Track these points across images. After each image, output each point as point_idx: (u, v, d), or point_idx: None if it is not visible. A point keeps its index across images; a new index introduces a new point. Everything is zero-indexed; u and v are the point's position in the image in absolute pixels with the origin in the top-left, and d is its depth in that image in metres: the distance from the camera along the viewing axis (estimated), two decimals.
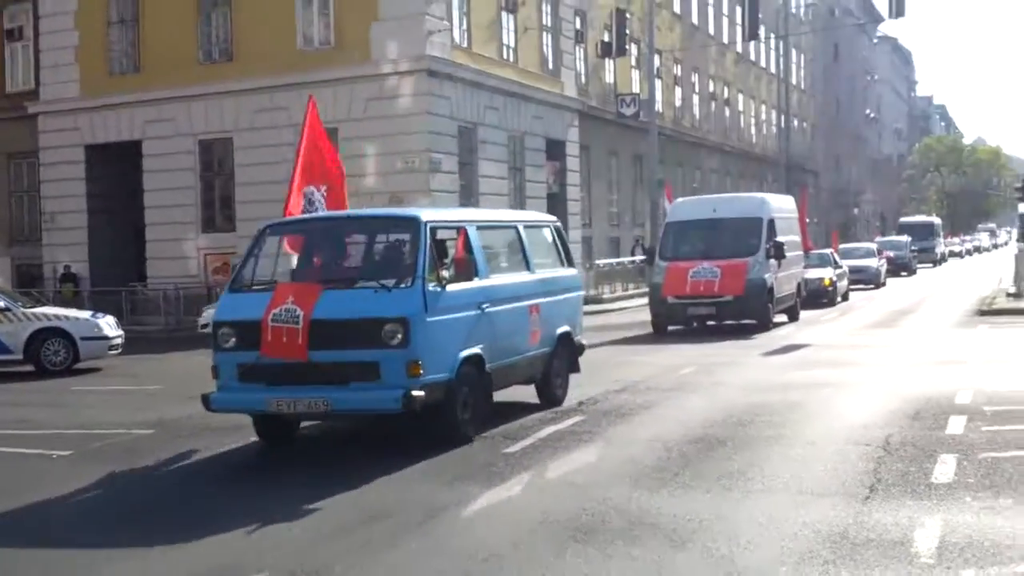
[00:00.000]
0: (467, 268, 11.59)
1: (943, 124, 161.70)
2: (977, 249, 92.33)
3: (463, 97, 33.70)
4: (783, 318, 26.61)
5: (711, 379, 16.55)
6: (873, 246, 49.22)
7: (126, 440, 13.10)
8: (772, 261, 24.66)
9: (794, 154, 65.95)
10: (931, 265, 65.16)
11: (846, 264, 38.02)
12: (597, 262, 38.46)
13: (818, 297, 31.90)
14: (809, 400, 13.99)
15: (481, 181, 34.77)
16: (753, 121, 65.95)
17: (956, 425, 11.73)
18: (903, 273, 53.45)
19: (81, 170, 35.75)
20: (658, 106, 44.51)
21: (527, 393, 13.95)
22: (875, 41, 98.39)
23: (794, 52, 69.47)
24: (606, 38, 42.88)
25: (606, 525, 8.33)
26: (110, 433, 13.48)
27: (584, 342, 15.08)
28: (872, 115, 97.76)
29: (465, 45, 34.34)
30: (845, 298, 35.48)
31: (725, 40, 59.61)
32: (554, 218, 15.62)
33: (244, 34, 33.77)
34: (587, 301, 33.79)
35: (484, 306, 11.85)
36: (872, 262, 44.26)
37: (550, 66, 39.73)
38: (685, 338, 23.71)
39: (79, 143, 35.89)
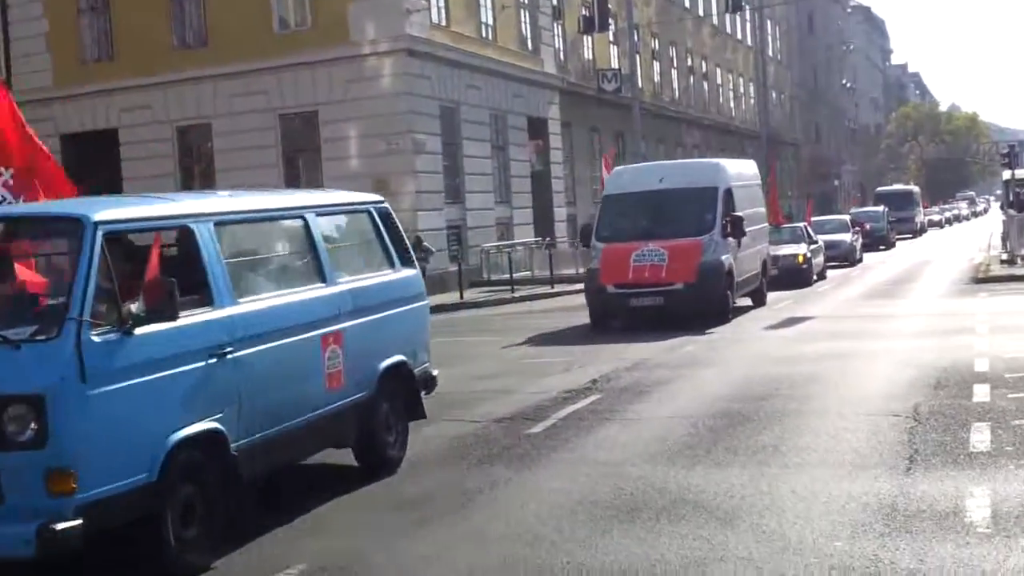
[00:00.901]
0: (163, 298, 6.85)
1: (918, 92, 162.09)
2: (956, 218, 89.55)
3: (444, 76, 33.37)
4: (747, 302, 23.60)
5: (719, 354, 16.34)
6: (846, 218, 44.48)
7: None
8: (731, 239, 21.09)
9: (773, 126, 65.82)
10: (910, 236, 61.46)
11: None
12: None
13: (792, 276, 28.63)
14: (824, 371, 13.79)
15: (465, 161, 34.47)
16: (732, 94, 65.77)
17: (981, 393, 11.56)
18: (881, 247, 49.25)
19: (57, 160, 35.09)
20: (638, 81, 44.16)
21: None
22: (849, 10, 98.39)
23: (769, 24, 69.31)
24: (585, 13, 42.52)
25: (647, 504, 8.12)
26: None
27: (435, 371, 10.50)
28: (848, 85, 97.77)
29: (444, 24, 34.00)
30: (822, 276, 32.32)
31: (700, 13, 59.32)
32: (376, 198, 10.58)
33: (218, 18, 33.32)
34: (575, 280, 33.68)
35: (227, 350, 7.51)
36: (845, 236, 39.65)
37: (529, 44, 39.43)
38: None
39: (54, 133, 35.23)
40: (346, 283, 9.13)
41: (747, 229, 21.75)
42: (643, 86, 46.77)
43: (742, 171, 24.53)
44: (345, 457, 9.58)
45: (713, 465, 9.20)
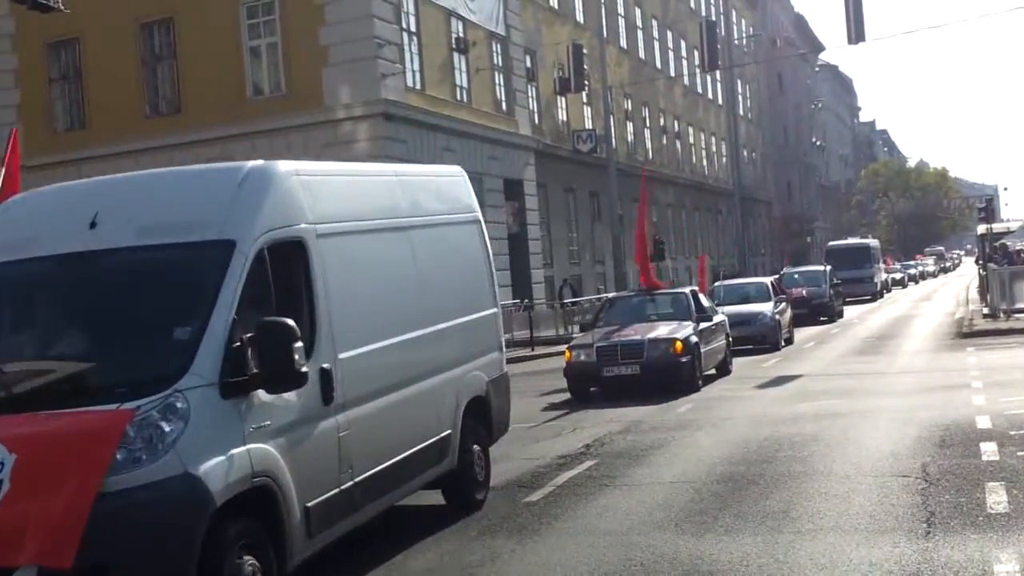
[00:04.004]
0: None
1: (886, 149, 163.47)
2: (922, 275, 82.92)
3: (419, 140, 33.18)
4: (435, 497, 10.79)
5: (713, 415, 15.96)
6: (766, 281, 31.72)
7: None
8: (261, 395, 7.29)
9: (746, 184, 66.06)
10: (869, 299, 50.68)
11: (725, 312, 23.73)
12: (565, 301, 37.89)
13: (663, 375, 18.74)
14: (826, 432, 13.47)
15: None
16: (704, 153, 65.99)
17: (989, 451, 11.28)
18: (822, 318, 37.04)
19: None
20: (612, 141, 44.20)
21: None
22: (817, 69, 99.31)
23: (739, 83, 69.83)
24: (559, 75, 42.60)
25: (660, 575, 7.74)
26: None
27: None
28: (819, 143, 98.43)
29: (419, 88, 33.88)
30: (723, 370, 21.75)
31: (672, 73, 59.65)
32: None
33: (191, 85, 33.12)
34: (557, 341, 33.48)
35: None
36: (764, 307, 27.87)
37: (503, 106, 39.39)
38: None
39: None
40: None
41: (408, 336, 9.44)
42: (617, 146, 46.83)
43: (376, 188, 10.09)
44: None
45: (723, 532, 8.86)
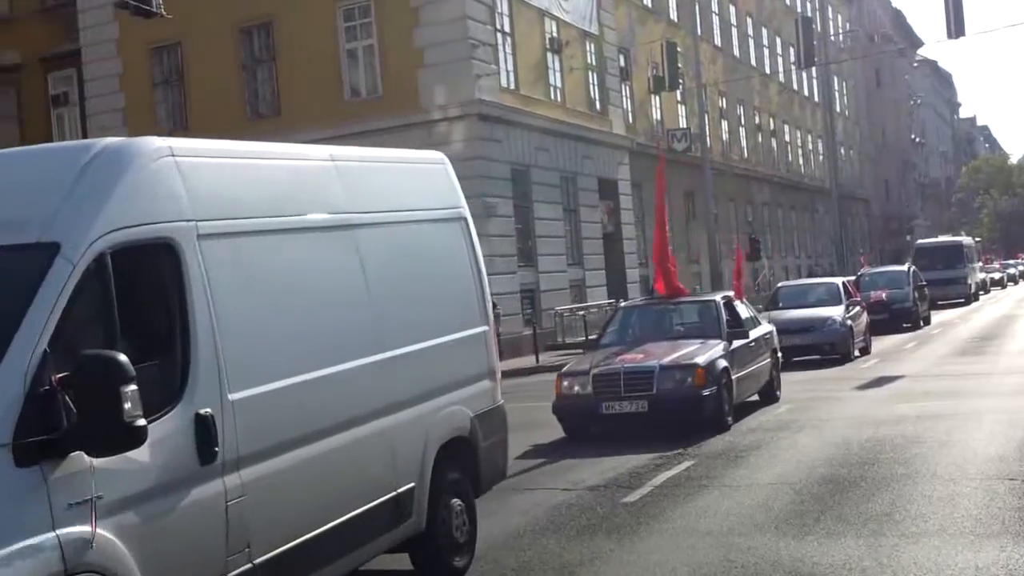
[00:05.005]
0: None
1: (987, 145, 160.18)
2: (1022, 275, 78.44)
3: (514, 139, 33.34)
4: None
5: (812, 415, 15.81)
6: (837, 282, 27.77)
7: None
8: None
9: (843, 182, 65.11)
10: (962, 302, 46.11)
11: (779, 319, 22.07)
12: None
13: (681, 414, 14.34)
14: (928, 433, 13.27)
15: (537, 223, 34.32)
16: (800, 151, 65.36)
17: None
18: (905, 324, 32.82)
19: None
20: (707, 140, 43.93)
21: None
22: (915, 64, 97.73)
23: (836, 80, 68.88)
24: (653, 73, 42.46)
25: None
26: None
27: None
28: (918, 139, 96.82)
29: (513, 87, 34.03)
30: (768, 397, 17.37)
31: (767, 71, 59.14)
32: None
33: (290, 88, 33.60)
34: None
35: None
36: (833, 312, 24.62)
37: (597, 105, 39.40)
38: None
39: None
40: None
41: (345, 366, 7.24)
42: (712, 145, 46.54)
43: (298, 176, 7.60)
44: None
45: (825, 535, 8.78)
